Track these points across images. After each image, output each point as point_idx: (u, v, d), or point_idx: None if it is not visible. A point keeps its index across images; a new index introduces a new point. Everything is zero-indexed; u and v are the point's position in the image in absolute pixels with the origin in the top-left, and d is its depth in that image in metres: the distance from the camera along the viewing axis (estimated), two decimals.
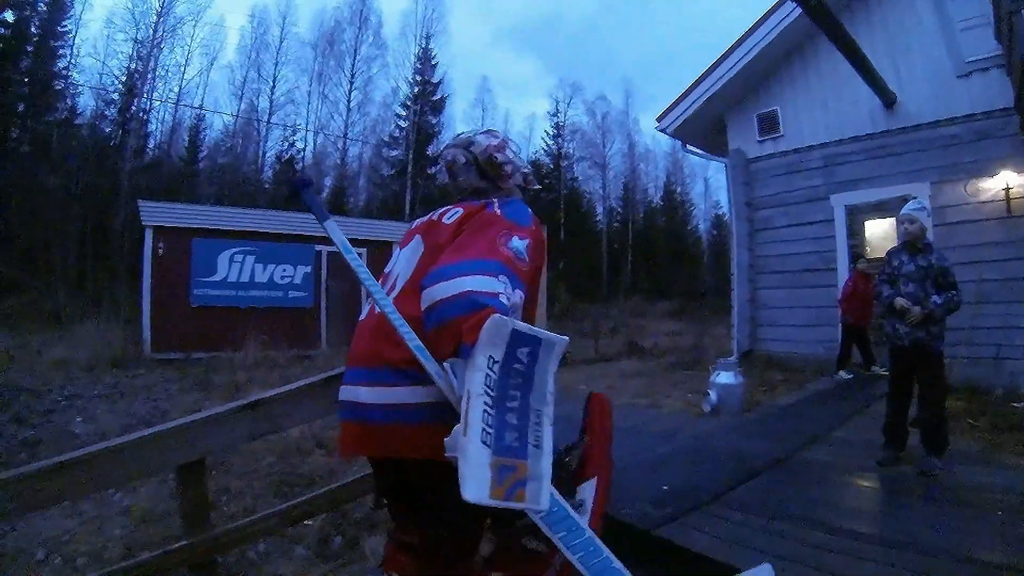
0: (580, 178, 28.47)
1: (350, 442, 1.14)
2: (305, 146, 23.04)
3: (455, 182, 1.33)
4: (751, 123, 7.02)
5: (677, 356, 8.04)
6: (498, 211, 1.13)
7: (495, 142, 1.32)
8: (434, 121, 24.36)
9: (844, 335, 5.70)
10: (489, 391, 0.78)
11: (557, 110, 28.12)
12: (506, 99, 46.88)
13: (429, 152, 23.60)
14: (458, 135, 1.39)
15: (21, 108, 15.71)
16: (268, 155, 21.56)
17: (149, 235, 8.09)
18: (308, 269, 9.12)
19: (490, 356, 0.80)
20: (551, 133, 28.07)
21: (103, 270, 12.05)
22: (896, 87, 5.75)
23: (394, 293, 1.16)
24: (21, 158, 14.54)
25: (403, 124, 23.60)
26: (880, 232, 6.39)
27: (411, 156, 22.19)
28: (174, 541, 1.72)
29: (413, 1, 24.23)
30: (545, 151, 27.70)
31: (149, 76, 19.13)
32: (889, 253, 3.04)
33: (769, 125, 6.83)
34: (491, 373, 0.79)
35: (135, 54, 18.78)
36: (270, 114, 21.13)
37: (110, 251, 12.66)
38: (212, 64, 21.52)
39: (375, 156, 23.68)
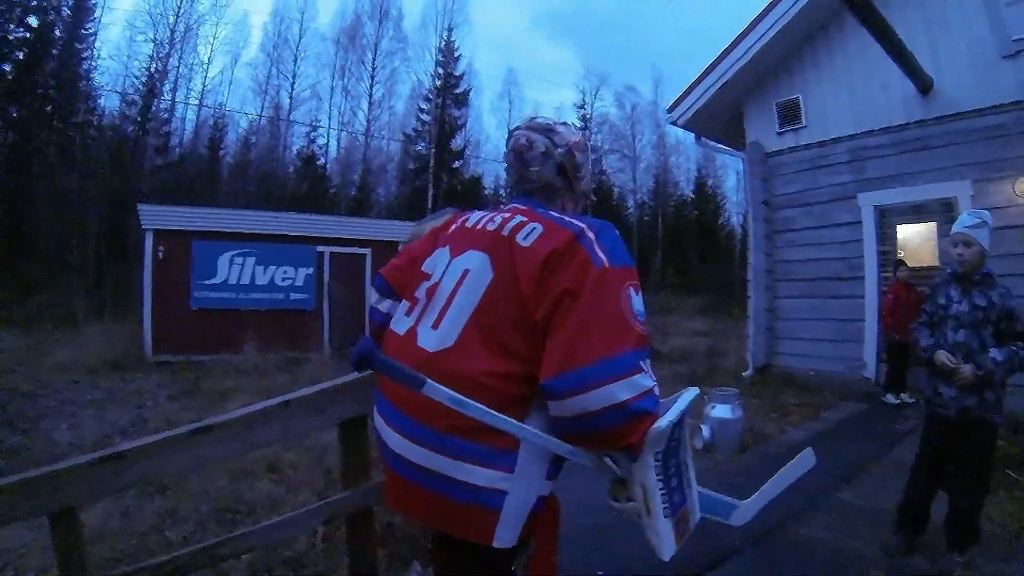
0: (609, 170, 27.95)
1: (403, 502, 1.08)
2: (327, 141, 23.45)
3: (524, 171, 1.19)
4: (770, 113, 6.53)
5: (691, 364, 7.66)
6: (604, 257, 0.99)
7: (576, 138, 1.21)
8: (457, 114, 24.31)
9: (890, 355, 5.21)
10: (659, 478, 0.96)
11: (584, 101, 27.69)
12: (535, 90, 46.57)
13: (452, 146, 23.62)
14: (532, 118, 1.24)
15: (47, 109, 16.52)
16: (291, 152, 21.94)
17: (149, 238, 8.25)
18: (310, 271, 9.13)
19: (655, 452, 0.95)
20: (578, 125, 27.51)
21: (119, 271, 12.59)
22: (933, 70, 5.19)
23: (443, 322, 1.04)
24: (45, 161, 15.35)
25: (425, 118, 23.60)
26: (915, 238, 5.85)
27: (433, 150, 22.23)
28: None
29: None
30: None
31: (171, 75, 19.89)
32: (934, 286, 2.39)
33: (790, 115, 6.34)
34: (658, 464, 0.95)
35: (155, 54, 19.48)
36: (290, 111, 21.61)
37: (127, 252, 13.26)
38: (236, 62, 22.17)
39: (399, 151, 23.87)
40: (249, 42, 33.40)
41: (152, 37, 19.40)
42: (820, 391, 5.53)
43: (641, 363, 0.93)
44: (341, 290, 9.46)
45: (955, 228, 2.33)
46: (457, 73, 24.20)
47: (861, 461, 3.65)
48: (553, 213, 1.11)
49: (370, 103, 22.90)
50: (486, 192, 24.75)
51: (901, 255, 5.60)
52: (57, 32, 18.04)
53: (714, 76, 6.51)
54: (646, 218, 27.66)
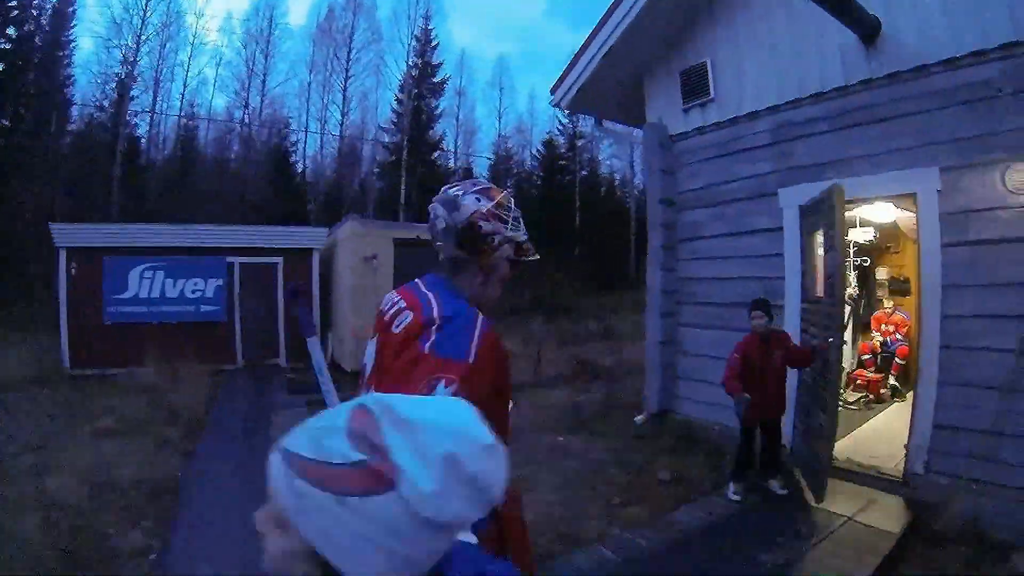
0: (603, 158, 25.94)
1: None
2: (299, 139, 22.11)
3: (434, 244, 1.19)
4: (674, 85, 4.76)
5: (586, 394, 6.19)
6: (428, 345, 1.01)
7: (484, 207, 1.13)
8: (435, 104, 22.68)
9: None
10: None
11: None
12: (528, 76, 43.93)
13: (429, 137, 22.11)
14: (447, 189, 1.18)
15: (26, 119, 15.87)
16: (261, 150, 20.63)
17: (63, 256, 8.07)
18: (220, 282, 8.62)
19: None
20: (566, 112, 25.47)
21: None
22: (880, 6, 3.41)
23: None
24: (25, 171, 14.89)
25: (399, 108, 21.89)
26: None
27: (406, 142, 20.80)
28: None
29: None
30: (560, 130, 25.24)
31: (142, 79, 19.08)
32: None
33: (696, 85, 4.53)
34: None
35: (124, 58, 18.54)
36: (261, 109, 20.54)
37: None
38: (211, 61, 21.25)
39: (373, 144, 22.45)
40: (221, 41, 31.44)
41: (119, 43, 18.37)
42: (722, 454, 3.84)
43: None
44: (252, 302, 8.80)
45: None
46: (435, 62, 22.54)
47: None
48: (431, 296, 1.10)
49: (344, 96, 21.56)
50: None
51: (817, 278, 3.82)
52: (37, 40, 17.33)
53: (597, 43, 4.67)
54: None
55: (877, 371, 5.27)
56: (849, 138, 3.60)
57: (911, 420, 3.27)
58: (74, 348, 8.02)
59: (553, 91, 5.24)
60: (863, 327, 5.81)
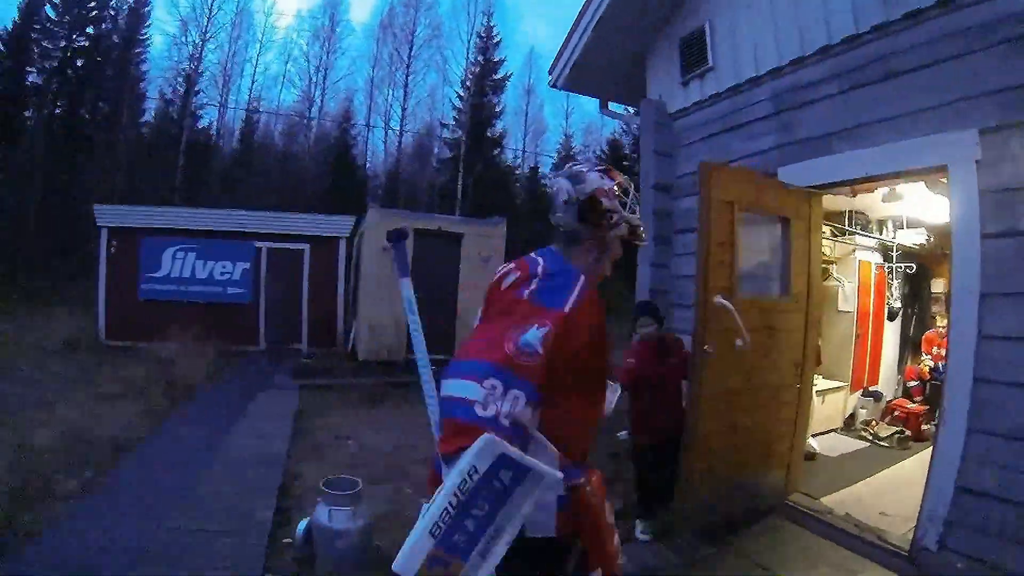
0: None
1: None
2: (357, 133, 22.75)
3: (553, 215, 1.22)
4: (673, 55, 4.19)
5: None
6: (528, 291, 1.06)
7: (606, 185, 1.19)
8: (495, 101, 22.69)
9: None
10: (459, 494, 0.83)
11: None
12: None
13: (489, 134, 22.18)
14: (571, 164, 1.26)
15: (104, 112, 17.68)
16: (324, 143, 21.57)
17: (104, 235, 8.79)
18: (247, 265, 8.98)
19: (473, 466, 0.84)
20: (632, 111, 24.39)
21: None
22: None
23: None
24: (93, 158, 16.36)
25: (459, 105, 22.04)
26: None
27: (464, 139, 21.01)
28: None
29: None
30: (624, 130, 24.22)
31: (207, 74, 20.41)
32: None
33: (695, 54, 3.91)
34: (468, 480, 0.84)
35: (192, 54, 19.95)
36: (322, 104, 21.64)
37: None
38: (271, 57, 22.40)
39: (433, 139, 22.74)
40: (288, 36, 32.37)
41: (186, 40, 19.97)
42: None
43: (490, 378, 0.93)
44: (277, 286, 9.13)
45: None
46: (496, 59, 22.58)
47: None
48: (540, 258, 1.15)
49: (405, 92, 22.20)
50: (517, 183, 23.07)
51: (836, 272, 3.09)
52: (115, 38, 19.15)
53: (588, 14, 4.30)
54: None
55: (924, 402, 4.28)
56: (862, 100, 2.91)
57: (928, 477, 2.46)
58: (110, 321, 8.63)
59: (551, 71, 4.87)
60: (912, 348, 4.79)
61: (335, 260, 9.29)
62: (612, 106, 5.11)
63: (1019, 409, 2.21)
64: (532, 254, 1.19)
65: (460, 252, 7.96)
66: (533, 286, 1.06)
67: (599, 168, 1.22)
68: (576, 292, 1.07)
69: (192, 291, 8.86)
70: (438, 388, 1.06)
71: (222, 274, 8.98)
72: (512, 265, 1.18)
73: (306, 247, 9.22)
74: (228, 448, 3.99)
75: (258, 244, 9.06)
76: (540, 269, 1.10)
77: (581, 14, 4.34)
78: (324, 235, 9.27)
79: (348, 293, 9.37)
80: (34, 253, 14.77)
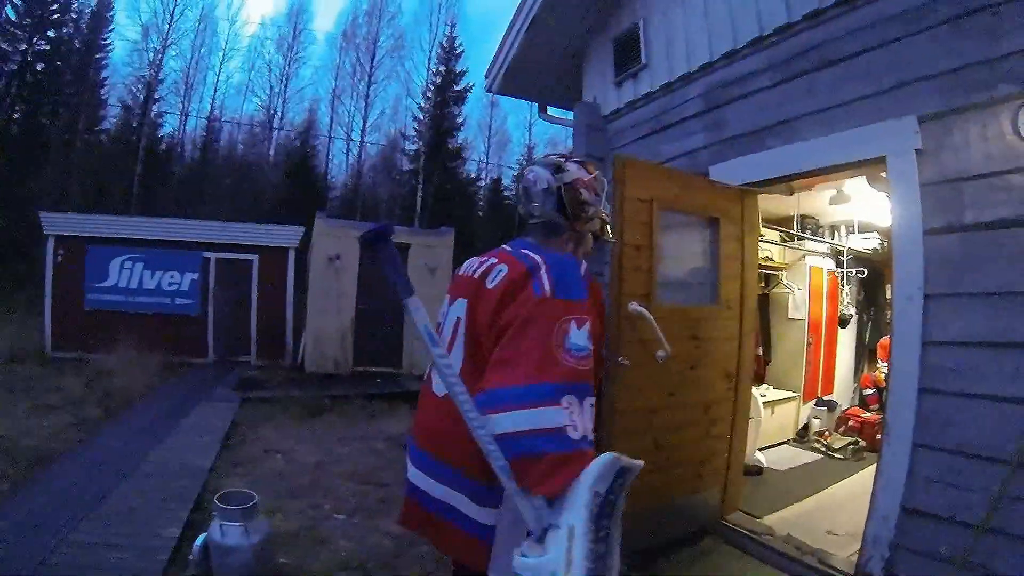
0: None
1: (411, 522, 1.15)
2: (319, 143, 22.27)
3: (528, 206, 1.19)
4: (608, 55, 3.93)
5: None
6: (547, 288, 0.97)
7: (586, 177, 1.19)
8: (456, 112, 22.43)
9: None
10: (594, 528, 0.79)
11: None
12: None
13: (450, 145, 21.89)
14: (547, 155, 1.26)
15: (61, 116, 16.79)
16: (280, 154, 20.99)
17: (51, 243, 8.35)
18: (195, 276, 8.64)
19: (596, 492, 0.80)
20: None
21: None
22: None
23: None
24: (50, 163, 15.58)
25: (420, 116, 21.77)
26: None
27: (424, 149, 20.67)
28: None
29: None
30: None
31: (166, 82, 19.70)
32: None
33: (629, 52, 3.64)
34: (596, 510, 0.80)
35: (151, 61, 19.35)
36: (283, 114, 21.02)
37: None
38: (235, 65, 21.76)
39: (393, 151, 22.31)
40: (250, 46, 32.50)
41: (146, 47, 19.35)
42: None
43: (564, 397, 0.87)
44: (226, 297, 8.75)
45: None
46: (459, 70, 22.38)
47: None
48: (526, 252, 1.07)
49: (366, 103, 21.76)
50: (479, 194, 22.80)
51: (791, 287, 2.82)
52: (76, 43, 18.35)
53: (524, 13, 3.97)
54: None
55: (880, 410, 4.07)
56: (796, 92, 2.65)
57: (872, 496, 2.18)
58: (56, 332, 8.18)
59: (487, 75, 4.56)
60: (869, 355, 4.60)
61: (284, 271, 8.90)
62: (552, 111, 4.81)
63: (968, 422, 1.94)
64: (507, 247, 1.13)
65: (407, 263, 7.63)
66: (547, 280, 0.98)
67: (576, 159, 1.20)
68: (583, 277, 1.04)
69: (140, 302, 8.52)
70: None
71: (170, 284, 8.67)
72: (488, 260, 1.10)
73: (255, 257, 8.85)
74: (152, 461, 3.77)
75: (206, 254, 8.71)
76: (540, 260, 1.02)
77: (515, 15, 4.06)
78: (273, 245, 8.92)
79: (297, 304, 8.97)
80: None
